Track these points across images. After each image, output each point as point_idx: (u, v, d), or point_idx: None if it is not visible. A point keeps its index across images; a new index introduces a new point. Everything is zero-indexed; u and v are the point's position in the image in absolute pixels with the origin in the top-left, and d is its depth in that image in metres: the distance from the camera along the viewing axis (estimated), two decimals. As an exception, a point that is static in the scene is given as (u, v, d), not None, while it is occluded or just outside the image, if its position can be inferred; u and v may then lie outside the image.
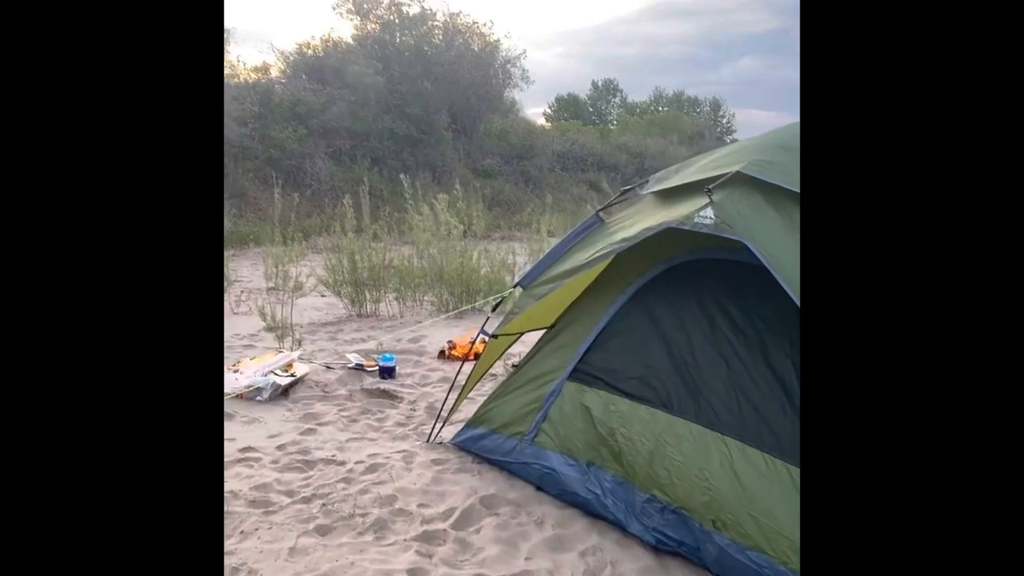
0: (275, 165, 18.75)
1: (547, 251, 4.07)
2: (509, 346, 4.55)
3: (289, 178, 18.30)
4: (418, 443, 4.35)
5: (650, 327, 3.52)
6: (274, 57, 24.26)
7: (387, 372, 5.65)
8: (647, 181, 3.79)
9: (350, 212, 8.42)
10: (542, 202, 16.33)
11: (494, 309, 4.35)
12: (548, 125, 31.39)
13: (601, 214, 3.95)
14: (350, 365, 5.80)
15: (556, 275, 3.84)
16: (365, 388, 5.35)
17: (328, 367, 5.78)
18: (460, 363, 6.10)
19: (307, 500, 3.54)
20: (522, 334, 4.46)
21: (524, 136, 26.06)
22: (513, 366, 4.17)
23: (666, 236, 3.29)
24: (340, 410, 4.91)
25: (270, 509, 3.41)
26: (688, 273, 3.53)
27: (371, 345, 6.67)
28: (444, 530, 3.31)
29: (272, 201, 7.50)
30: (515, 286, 4.18)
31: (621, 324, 3.68)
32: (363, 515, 3.41)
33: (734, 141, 37.87)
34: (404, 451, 4.21)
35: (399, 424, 4.70)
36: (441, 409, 4.45)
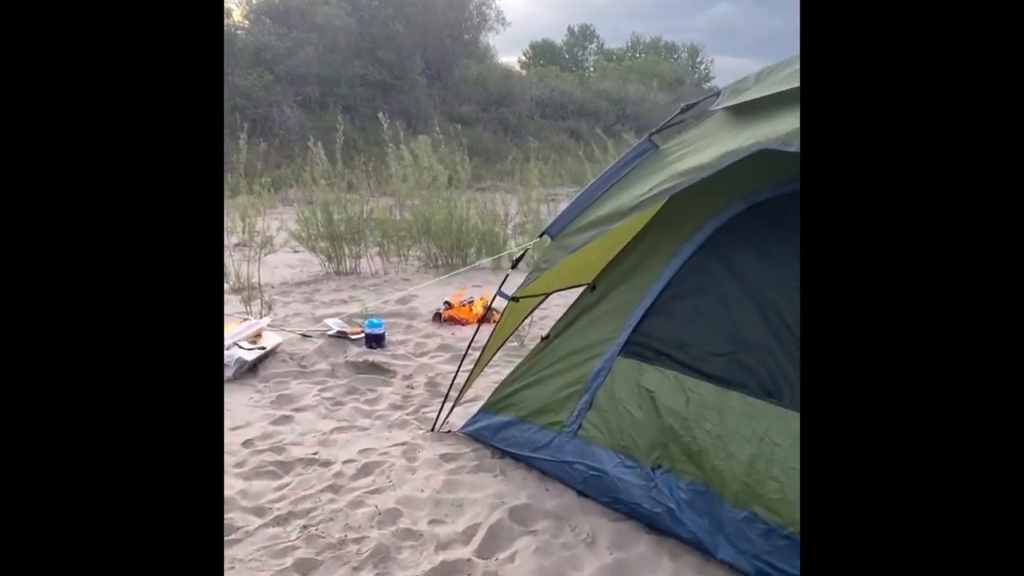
0: (240, 114, 17.45)
1: (586, 188, 3.15)
2: (533, 310, 3.64)
3: (256, 127, 17.06)
4: (421, 432, 3.46)
5: (734, 286, 2.64)
6: (235, 0, 22.67)
7: (375, 340, 4.73)
8: (717, 94, 2.86)
9: (321, 157, 7.40)
10: (523, 151, 15.35)
11: (515, 264, 3.42)
12: (524, 72, 30.09)
13: (655, 138, 3.04)
14: (331, 333, 4.87)
15: (596, 220, 2.94)
16: (350, 361, 4.44)
17: (305, 336, 4.85)
18: (459, 326, 5.20)
19: (282, 521, 2.65)
20: (548, 295, 3.56)
21: (501, 82, 24.85)
22: (543, 338, 3.27)
23: (749, 165, 2.38)
24: (321, 390, 3.99)
25: (233, 537, 2.51)
26: (778, 213, 2.63)
27: (354, 308, 5.73)
28: (468, 560, 2.44)
29: (237, 150, 6.44)
30: (542, 235, 3.26)
31: (690, 282, 2.79)
32: (357, 540, 2.53)
33: (712, 88, 36.92)
34: (405, 444, 3.32)
35: (395, 406, 3.81)
36: (450, 388, 3.56)
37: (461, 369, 3.61)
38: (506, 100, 24.35)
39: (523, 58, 38.59)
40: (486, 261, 7.64)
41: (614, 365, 2.89)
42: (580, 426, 2.89)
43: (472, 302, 5.58)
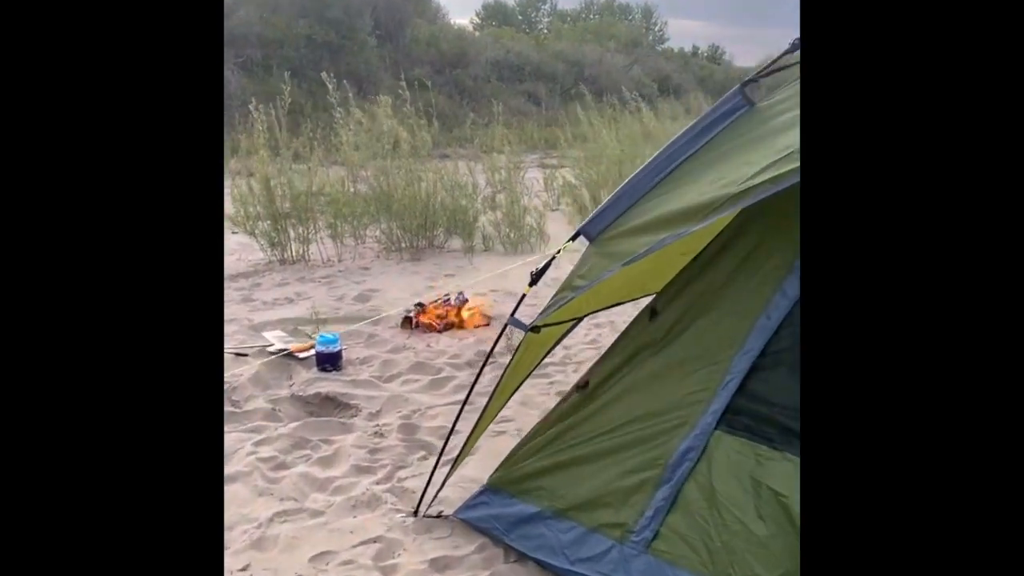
0: (174, 76, 15.76)
1: (644, 167, 2.08)
2: (560, 340, 2.57)
3: (191, 91, 15.42)
4: (400, 517, 2.38)
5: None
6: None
7: (329, 361, 3.61)
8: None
9: (260, 126, 6.14)
10: (481, 115, 14.13)
11: (536, 279, 2.32)
12: (478, 34, 28.60)
13: (749, 90, 1.99)
14: (272, 350, 3.73)
15: (661, 218, 1.91)
16: (297, 395, 3.31)
17: (238, 355, 3.69)
18: (435, 334, 4.10)
19: None
20: (580, 320, 2.50)
21: (455, 43, 23.38)
22: (577, 386, 2.20)
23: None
24: (257, 443, 2.86)
25: None
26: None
27: (302, 309, 4.58)
28: None
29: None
30: (575, 236, 2.19)
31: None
32: None
33: (668, 51, 35.85)
34: (377, 541, 2.25)
35: (360, 469, 2.71)
36: (441, 452, 2.48)
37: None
38: (461, 62, 22.92)
39: (475, 19, 36.98)
40: (457, 243, 6.52)
41: (710, 443, 1.85)
42: (656, 535, 1.86)
43: (449, 302, 4.47)
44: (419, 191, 6.45)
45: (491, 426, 2.59)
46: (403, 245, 6.30)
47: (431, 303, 4.44)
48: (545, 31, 34.95)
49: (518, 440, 2.76)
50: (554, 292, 2.20)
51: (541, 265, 2.25)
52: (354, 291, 5.05)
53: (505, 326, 2.30)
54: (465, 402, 2.40)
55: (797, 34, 1.71)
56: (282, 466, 2.70)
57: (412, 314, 4.26)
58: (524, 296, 2.29)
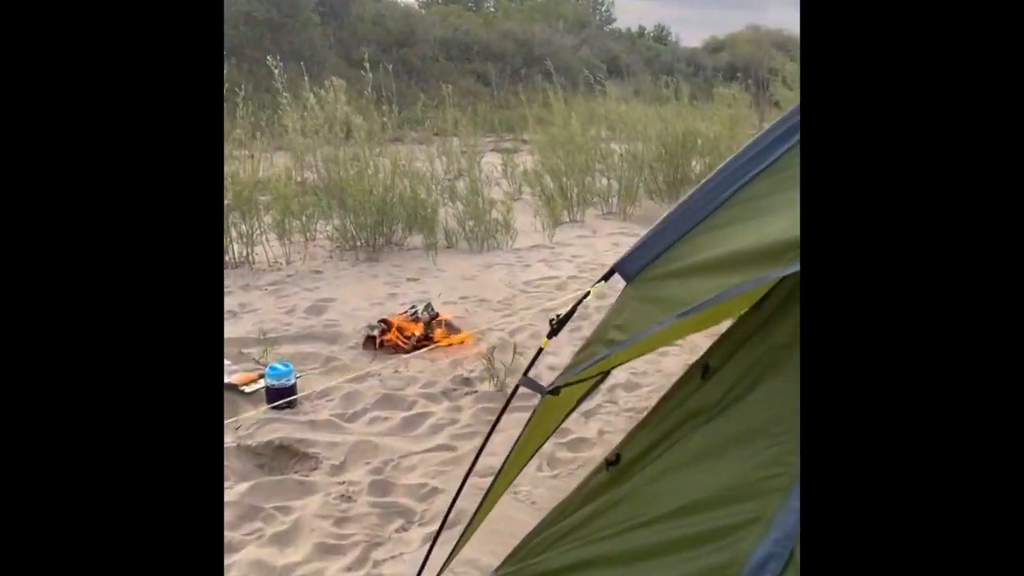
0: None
1: (697, 189, 1.61)
2: (582, 400, 2.07)
3: (121, 71, 14.37)
4: (380, 621, 1.88)
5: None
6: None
7: (281, 396, 3.06)
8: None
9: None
10: (431, 96, 13.50)
11: (557, 328, 1.80)
12: (424, 12, 27.72)
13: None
14: (213, 382, 3.16)
15: (726, 259, 1.47)
16: (244, 444, 2.76)
17: (172, 390, 3.11)
18: (404, 355, 3.58)
19: None
20: (608, 374, 2.02)
21: (402, 21, 22.56)
22: (607, 462, 1.72)
23: None
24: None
25: None
26: None
27: (247, 326, 3.99)
28: None
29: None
30: (609, 275, 1.70)
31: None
32: None
33: (615, 31, 35.41)
34: (354, 662, 1.74)
35: (327, 550, 2.19)
36: (439, 531, 1.99)
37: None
38: (408, 40, 22.14)
39: (420, -3, 35.98)
40: (416, 239, 5.97)
41: (797, 552, 1.39)
42: None
43: (416, 315, 3.94)
44: (375, 182, 5.88)
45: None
46: (358, 243, 5.72)
47: (397, 316, 3.90)
48: (493, 9, 34.17)
49: (526, 506, 2.28)
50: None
51: (563, 313, 1.73)
52: (306, 301, 4.47)
53: (516, 388, 1.80)
54: (466, 478, 1.89)
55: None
56: (228, 548, 2.16)
57: (376, 332, 3.72)
58: (541, 351, 1.79)
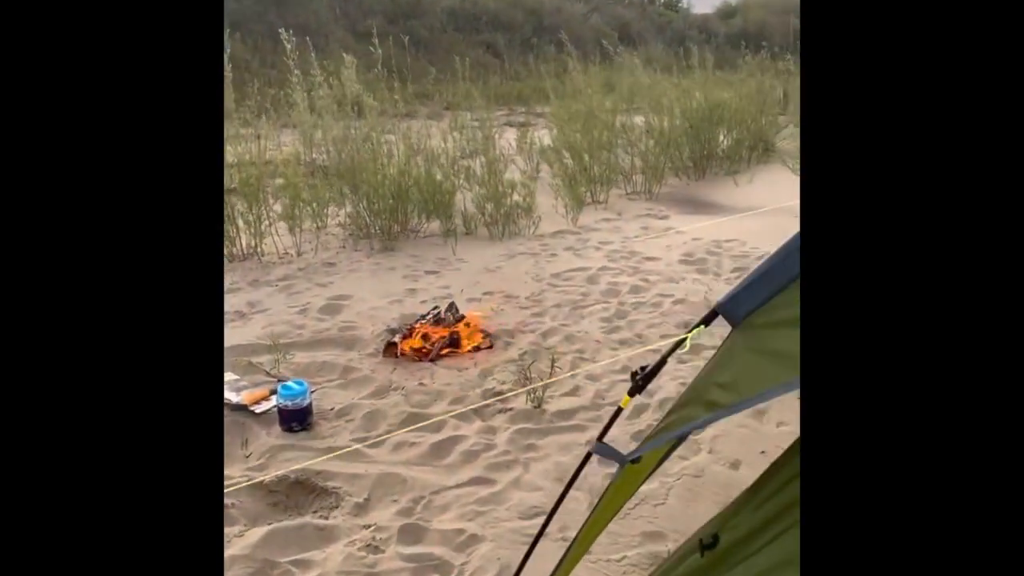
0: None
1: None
2: (662, 462, 1.70)
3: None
4: None
5: None
6: None
7: (296, 419, 2.73)
8: None
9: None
10: (440, 69, 13.04)
11: (641, 385, 1.43)
12: (430, -20, 26.98)
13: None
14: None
15: None
16: (256, 478, 2.43)
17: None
18: (427, 364, 3.24)
19: None
20: (682, 440, 1.66)
21: (409, -9, 21.96)
22: (703, 545, 1.38)
23: None
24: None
25: None
26: None
27: (255, 329, 3.66)
28: None
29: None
30: (711, 318, 1.33)
31: None
32: None
33: (624, -3, 34.50)
34: None
35: (351, 616, 1.87)
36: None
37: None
38: (415, 11, 21.60)
39: (426, -34, 35.15)
40: (433, 225, 5.60)
41: None
42: None
43: (440, 317, 3.60)
44: (388, 165, 5.50)
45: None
46: (372, 230, 5.36)
47: (418, 323, 3.55)
48: (500, -22, 33.32)
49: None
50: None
51: (650, 365, 1.37)
52: (320, 298, 4.13)
53: (587, 456, 1.45)
54: (536, 541, 1.55)
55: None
56: (237, 618, 1.85)
57: (397, 339, 3.38)
58: (620, 411, 1.43)
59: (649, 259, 4.74)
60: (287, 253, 5.07)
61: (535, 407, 2.85)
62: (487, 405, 2.90)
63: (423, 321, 3.56)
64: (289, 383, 2.78)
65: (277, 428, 2.73)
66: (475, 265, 4.75)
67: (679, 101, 7.82)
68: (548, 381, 3.00)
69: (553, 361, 3.04)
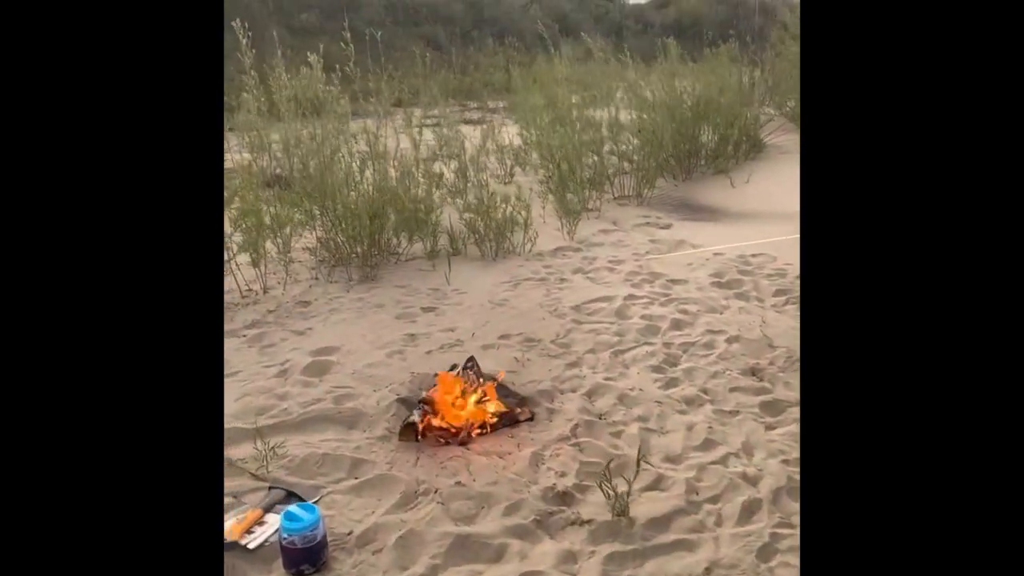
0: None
1: None
2: None
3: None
4: None
5: None
6: None
7: (309, 559, 1.97)
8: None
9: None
10: (382, 65, 12.17)
11: None
12: (364, -27, 25.81)
13: None
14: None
15: None
16: None
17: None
18: (458, 449, 2.52)
19: None
20: None
21: (344, -16, 20.83)
22: None
23: None
24: None
25: None
26: None
27: (229, 403, 2.85)
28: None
29: None
30: None
31: None
32: None
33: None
34: None
35: None
36: None
37: None
38: (352, 4, 20.49)
39: (357, -42, 33.85)
40: (414, 246, 4.83)
41: None
42: None
43: (471, 375, 2.86)
44: (362, 180, 4.69)
45: None
46: (346, 254, 4.55)
47: (443, 397, 2.80)
48: (434, -31, 32.23)
49: None
50: None
51: None
52: (300, 353, 3.33)
53: None
54: None
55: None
56: None
57: (416, 418, 2.62)
58: None
59: (675, 282, 4.09)
60: (250, 290, 4.23)
61: (617, 515, 2.15)
62: (551, 513, 2.19)
63: (437, 389, 2.81)
64: (293, 509, 2.01)
65: (280, 570, 1.97)
66: (476, 297, 4.01)
67: (660, 94, 7.19)
68: (623, 479, 2.30)
69: (639, 461, 2.31)
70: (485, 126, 8.26)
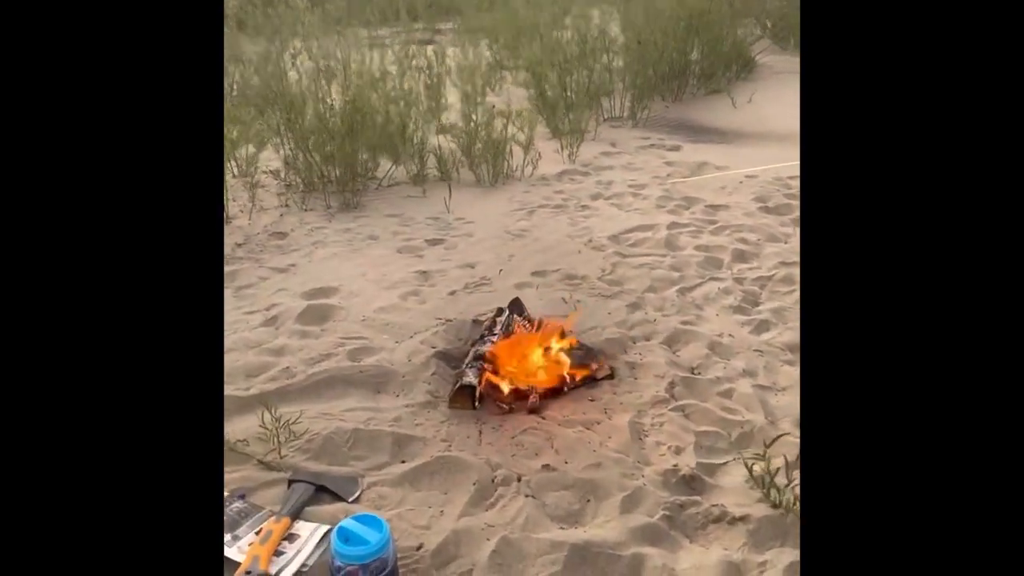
0: None
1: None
2: None
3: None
4: None
5: None
6: None
7: (375, 593, 1.35)
8: None
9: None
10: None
11: None
12: None
13: None
14: None
15: None
16: None
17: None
18: (532, 420, 1.91)
19: None
20: None
21: None
22: None
23: None
24: None
25: None
26: None
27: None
28: None
29: None
30: None
31: None
32: None
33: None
34: None
35: None
36: None
37: None
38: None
39: None
40: (392, 170, 4.10)
41: None
42: None
43: (496, 329, 2.24)
44: (329, 92, 3.91)
45: None
46: (321, 181, 3.80)
47: (484, 342, 2.17)
48: None
49: None
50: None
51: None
52: (290, 295, 2.64)
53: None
54: None
55: None
56: None
57: (474, 379, 1.99)
58: None
59: (716, 207, 3.52)
60: (210, 220, 3.45)
61: (774, 507, 1.60)
62: (683, 506, 1.63)
63: (490, 338, 2.18)
64: (349, 525, 1.37)
65: (331, 612, 1.35)
66: (487, 227, 3.36)
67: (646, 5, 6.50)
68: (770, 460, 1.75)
69: (769, 441, 1.76)
70: (434, 47, 7.45)
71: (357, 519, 1.39)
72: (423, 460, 1.77)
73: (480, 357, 2.04)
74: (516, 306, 2.37)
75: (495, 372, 2.01)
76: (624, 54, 6.07)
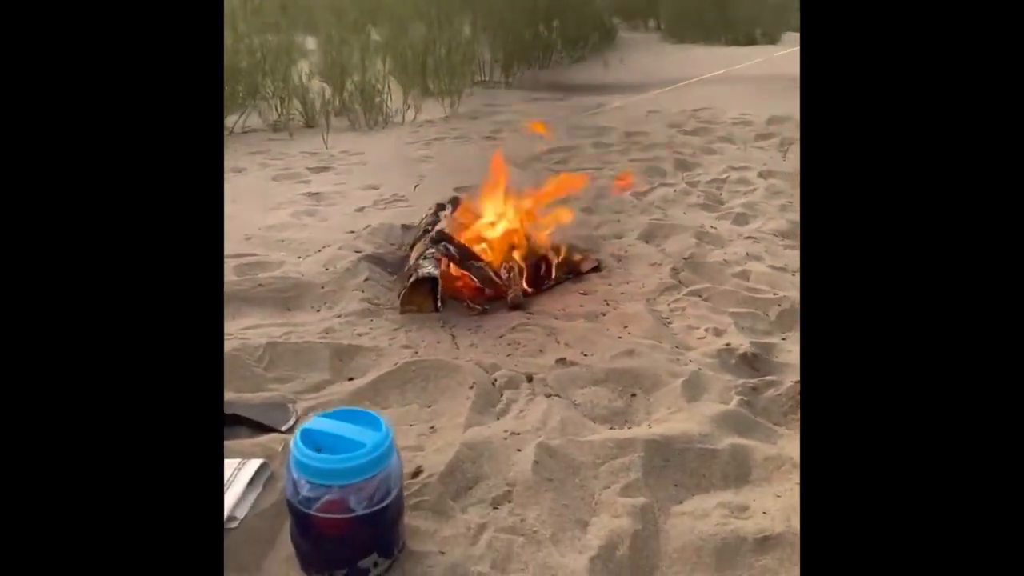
0: None
1: None
2: None
3: None
4: None
5: None
6: None
7: (372, 545, 0.78)
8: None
9: None
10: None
11: None
12: None
13: None
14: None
15: None
16: None
17: None
18: (507, 311, 1.38)
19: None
20: None
21: None
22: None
23: None
24: None
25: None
26: None
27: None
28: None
29: None
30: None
31: None
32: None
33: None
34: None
35: None
36: None
37: None
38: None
39: None
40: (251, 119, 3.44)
41: None
42: None
43: (442, 213, 1.71)
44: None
45: None
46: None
47: (429, 239, 1.63)
48: None
49: None
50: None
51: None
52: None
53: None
54: None
55: None
56: None
57: (432, 268, 1.44)
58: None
59: (634, 134, 3.16)
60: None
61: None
62: (756, 388, 1.19)
63: (433, 234, 1.64)
64: (316, 423, 0.80)
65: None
66: (382, 155, 2.80)
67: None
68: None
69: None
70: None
71: (331, 416, 0.81)
72: (384, 371, 1.20)
73: (441, 240, 1.49)
74: (457, 204, 1.85)
75: (461, 261, 1.47)
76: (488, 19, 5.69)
